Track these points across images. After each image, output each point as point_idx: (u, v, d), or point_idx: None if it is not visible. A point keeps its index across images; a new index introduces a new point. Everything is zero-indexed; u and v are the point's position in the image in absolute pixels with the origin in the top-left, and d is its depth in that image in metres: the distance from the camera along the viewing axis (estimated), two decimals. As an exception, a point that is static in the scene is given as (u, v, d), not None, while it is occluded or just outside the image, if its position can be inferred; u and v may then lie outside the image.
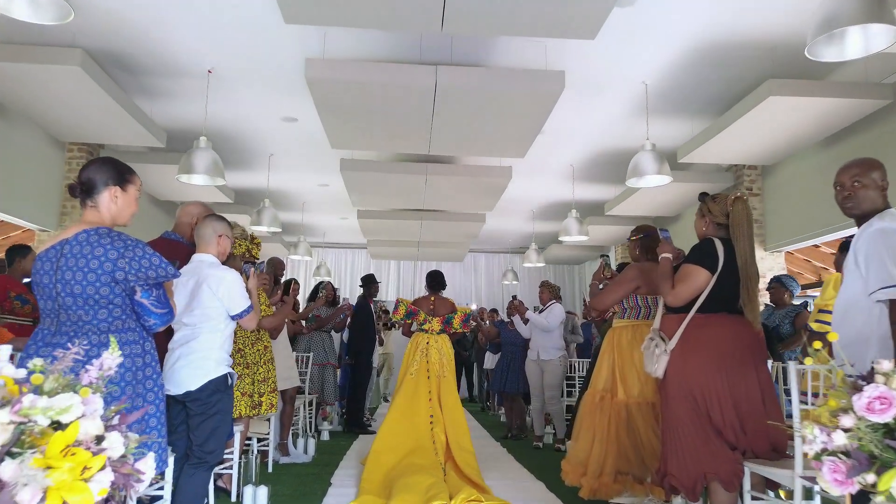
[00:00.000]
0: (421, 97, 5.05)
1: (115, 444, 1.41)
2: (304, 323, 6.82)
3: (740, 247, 2.86)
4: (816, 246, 8.24)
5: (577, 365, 6.99)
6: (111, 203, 2.36)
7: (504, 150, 6.36)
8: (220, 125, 7.04)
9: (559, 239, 8.79)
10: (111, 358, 1.50)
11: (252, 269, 3.20)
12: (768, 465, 2.68)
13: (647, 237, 3.86)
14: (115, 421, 1.47)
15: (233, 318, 2.92)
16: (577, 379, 6.82)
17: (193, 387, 2.78)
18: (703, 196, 3.07)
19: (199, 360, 2.82)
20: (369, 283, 7.60)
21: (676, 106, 6.36)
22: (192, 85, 5.99)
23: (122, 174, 2.41)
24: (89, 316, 2.23)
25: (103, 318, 2.25)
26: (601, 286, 4.08)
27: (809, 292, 8.82)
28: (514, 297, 6.63)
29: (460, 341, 11.26)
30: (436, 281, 5.40)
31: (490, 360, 9.54)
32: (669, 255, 3.07)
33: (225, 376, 2.87)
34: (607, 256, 4.14)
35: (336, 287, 8.39)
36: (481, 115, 5.35)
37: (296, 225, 11.74)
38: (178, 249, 3.25)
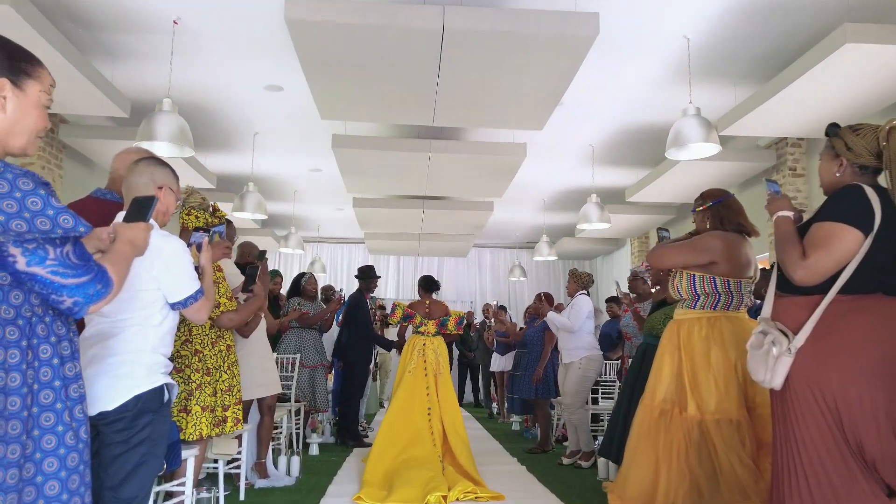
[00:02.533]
0: (425, 45, 4.20)
1: None
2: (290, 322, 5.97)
3: None
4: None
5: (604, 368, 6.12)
6: None
7: (520, 118, 5.49)
8: (194, 95, 6.18)
9: (578, 227, 7.92)
10: None
11: (205, 238, 2.31)
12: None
13: (720, 204, 3.00)
14: None
15: (174, 306, 2.07)
16: (606, 384, 5.92)
17: (111, 405, 1.92)
18: (834, 128, 2.18)
19: (121, 365, 1.96)
20: (368, 275, 6.71)
21: (719, 68, 5.51)
22: (157, 42, 5.14)
23: (16, 61, 1.51)
24: None
25: None
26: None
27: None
28: (543, 294, 5.92)
29: (465, 342, 10.41)
30: (430, 284, 5.49)
31: (497, 362, 8.68)
32: (790, 214, 2.20)
33: (160, 389, 2.01)
34: (666, 230, 3.26)
35: (340, 288, 7.52)
36: (496, 69, 4.49)
37: (287, 217, 10.89)
38: (113, 212, 2.38)
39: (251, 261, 4.79)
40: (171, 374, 3.05)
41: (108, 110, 5.44)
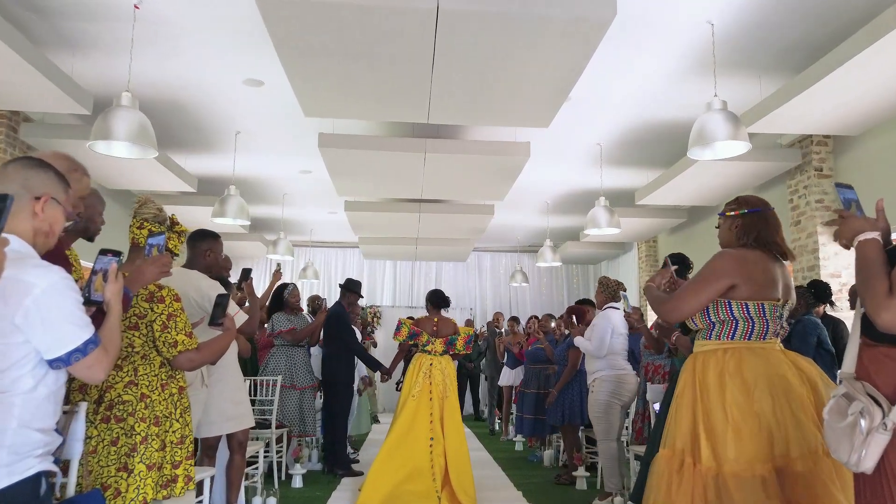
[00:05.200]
0: (417, 29, 3.67)
1: None
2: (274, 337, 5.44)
3: None
4: None
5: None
6: None
7: (524, 115, 4.97)
8: (168, 90, 5.65)
9: (584, 231, 7.39)
10: None
11: (113, 263, 1.74)
12: None
13: (756, 214, 2.47)
14: None
15: (52, 363, 1.52)
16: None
17: None
18: None
19: None
20: (350, 289, 6.09)
21: (743, 58, 4.98)
22: (120, 31, 4.61)
23: None
24: None
25: None
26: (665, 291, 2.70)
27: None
28: (574, 309, 5.48)
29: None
30: (439, 300, 5.20)
31: (507, 376, 8.12)
32: (876, 235, 1.67)
33: (35, 480, 1.46)
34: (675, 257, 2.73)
35: (325, 299, 6.95)
36: (498, 58, 3.97)
37: (277, 221, 10.36)
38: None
39: (222, 274, 4.26)
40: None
41: (67, 107, 4.92)
